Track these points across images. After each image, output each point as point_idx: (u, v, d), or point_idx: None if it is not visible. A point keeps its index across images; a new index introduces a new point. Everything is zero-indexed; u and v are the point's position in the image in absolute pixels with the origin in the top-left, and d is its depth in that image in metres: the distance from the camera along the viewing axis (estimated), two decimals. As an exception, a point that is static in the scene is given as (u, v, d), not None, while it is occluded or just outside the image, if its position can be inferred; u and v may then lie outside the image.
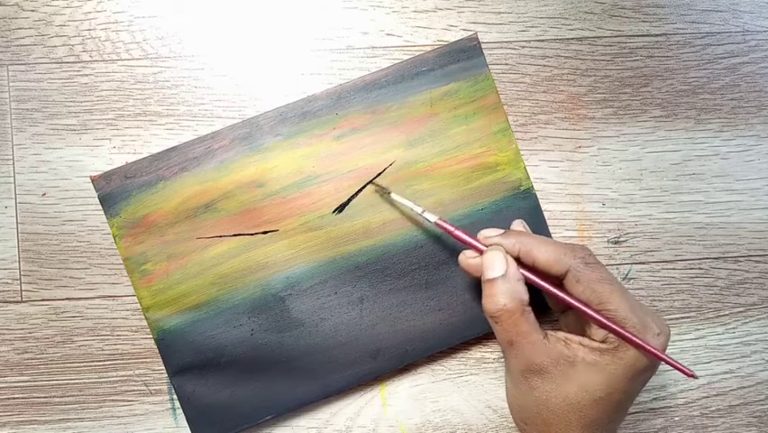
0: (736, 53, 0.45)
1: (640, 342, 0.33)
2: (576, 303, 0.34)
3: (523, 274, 0.35)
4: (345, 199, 0.42)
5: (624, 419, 0.36)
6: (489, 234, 0.37)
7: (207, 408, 0.41)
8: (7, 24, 0.43)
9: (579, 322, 0.36)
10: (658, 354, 0.33)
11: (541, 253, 0.35)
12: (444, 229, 0.38)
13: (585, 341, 0.34)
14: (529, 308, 0.34)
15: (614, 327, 0.33)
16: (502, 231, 0.37)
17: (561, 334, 0.35)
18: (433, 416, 0.43)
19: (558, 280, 0.35)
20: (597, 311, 0.34)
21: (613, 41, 0.45)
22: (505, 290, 0.34)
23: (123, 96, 0.43)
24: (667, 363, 0.33)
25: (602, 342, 0.33)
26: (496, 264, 0.35)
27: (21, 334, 0.42)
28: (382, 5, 0.44)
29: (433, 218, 0.38)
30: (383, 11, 0.44)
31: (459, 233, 0.37)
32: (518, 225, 0.39)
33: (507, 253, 0.35)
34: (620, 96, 0.45)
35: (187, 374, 0.41)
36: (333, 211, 0.42)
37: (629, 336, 0.33)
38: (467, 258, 0.37)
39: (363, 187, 0.42)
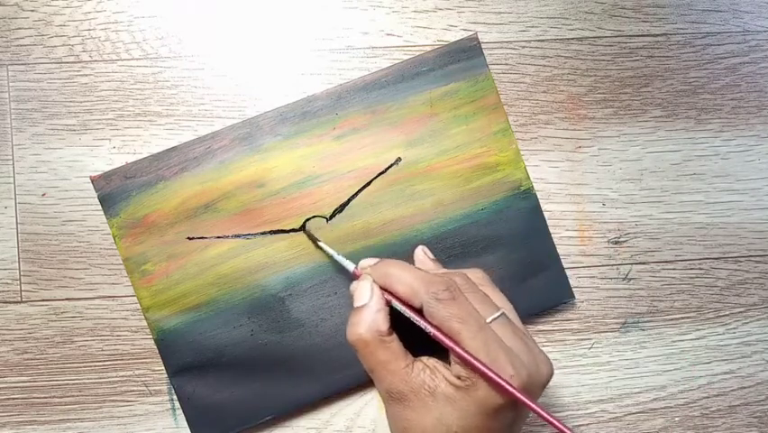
0: (736, 53, 0.45)
1: (485, 370, 0.32)
2: (434, 332, 0.34)
3: (391, 302, 0.35)
4: (345, 200, 0.42)
5: None
6: (364, 263, 0.38)
7: (207, 408, 0.41)
8: (7, 24, 0.43)
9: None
10: (497, 379, 0.32)
11: (399, 286, 0.35)
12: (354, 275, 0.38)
13: (446, 373, 0.33)
14: (390, 338, 0.34)
15: (461, 352, 0.32)
16: (377, 260, 0.37)
17: (432, 361, 0.34)
18: (433, 416, 0.43)
19: None
20: (455, 343, 0.33)
21: (613, 41, 0.45)
22: (363, 319, 0.34)
23: (122, 97, 0.43)
24: (514, 396, 0.32)
25: (458, 377, 0.33)
26: (363, 293, 0.35)
27: (21, 334, 0.42)
28: (382, 5, 0.44)
29: (351, 267, 0.39)
30: (383, 11, 0.44)
31: (354, 270, 0.38)
32: (419, 252, 0.39)
33: (374, 282, 0.36)
34: (620, 96, 0.44)
35: (187, 374, 0.41)
36: (328, 220, 0.42)
37: (475, 362, 0.32)
38: (352, 286, 0.37)
39: (363, 188, 0.42)
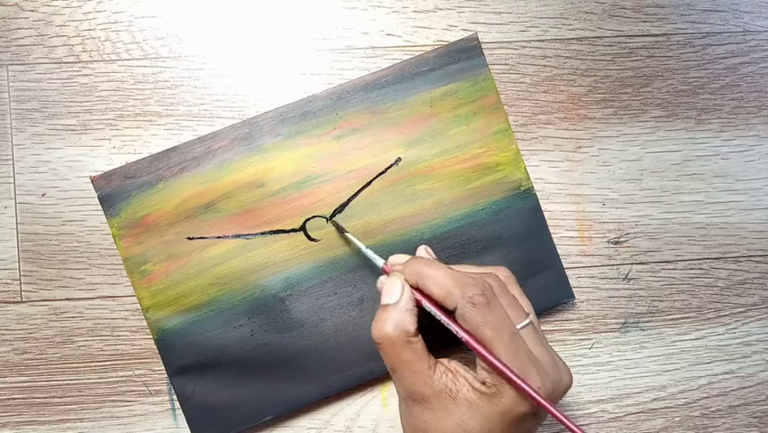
0: (736, 53, 0.45)
1: (517, 380, 0.32)
2: (466, 338, 0.33)
3: (421, 301, 0.35)
4: (345, 200, 0.42)
5: None
6: (394, 260, 0.37)
7: (207, 408, 0.41)
8: (7, 24, 0.43)
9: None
10: (528, 390, 0.32)
11: (433, 286, 0.34)
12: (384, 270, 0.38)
13: (470, 378, 0.33)
14: (416, 339, 0.34)
15: (494, 361, 0.32)
16: (409, 258, 0.37)
17: (453, 365, 0.34)
18: (433, 416, 0.43)
19: None
20: (483, 347, 0.33)
21: (613, 41, 0.45)
22: (391, 318, 0.34)
23: (122, 97, 0.43)
24: (544, 407, 0.32)
25: (482, 383, 0.33)
26: (392, 291, 0.35)
27: (21, 334, 0.42)
28: (382, 5, 0.44)
29: (380, 262, 0.38)
30: (383, 11, 0.44)
31: (383, 265, 0.38)
32: (422, 251, 0.39)
33: (405, 281, 0.35)
34: (620, 96, 0.44)
35: (187, 374, 0.41)
36: (328, 220, 0.42)
37: (503, 369, 0.32)
38: (379, 282, 0.37)
39: (363, 188, 0.42)
